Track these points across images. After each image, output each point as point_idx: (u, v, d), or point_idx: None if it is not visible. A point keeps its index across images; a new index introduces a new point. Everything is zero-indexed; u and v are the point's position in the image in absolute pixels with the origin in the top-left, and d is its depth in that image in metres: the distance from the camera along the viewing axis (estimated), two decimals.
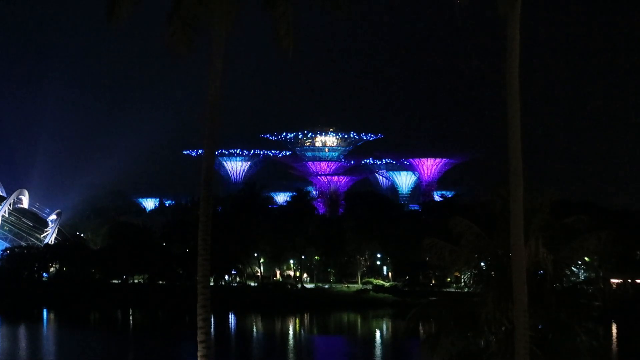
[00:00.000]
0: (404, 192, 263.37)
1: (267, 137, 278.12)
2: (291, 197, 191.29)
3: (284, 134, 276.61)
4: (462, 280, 29.83)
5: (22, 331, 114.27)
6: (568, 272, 27.24)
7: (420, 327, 28.66)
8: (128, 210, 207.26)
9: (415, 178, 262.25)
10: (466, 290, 28.34)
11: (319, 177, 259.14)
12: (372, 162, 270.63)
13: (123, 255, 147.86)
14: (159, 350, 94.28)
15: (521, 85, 23.06)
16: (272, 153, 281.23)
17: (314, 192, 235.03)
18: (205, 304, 25.13)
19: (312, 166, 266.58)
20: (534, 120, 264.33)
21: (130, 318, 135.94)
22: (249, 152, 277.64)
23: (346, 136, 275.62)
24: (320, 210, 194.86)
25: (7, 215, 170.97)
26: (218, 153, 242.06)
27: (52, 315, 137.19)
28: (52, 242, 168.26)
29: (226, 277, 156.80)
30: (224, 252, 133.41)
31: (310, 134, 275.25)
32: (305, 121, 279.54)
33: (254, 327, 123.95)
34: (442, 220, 32.14)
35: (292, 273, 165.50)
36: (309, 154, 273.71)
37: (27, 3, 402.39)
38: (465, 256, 26.94)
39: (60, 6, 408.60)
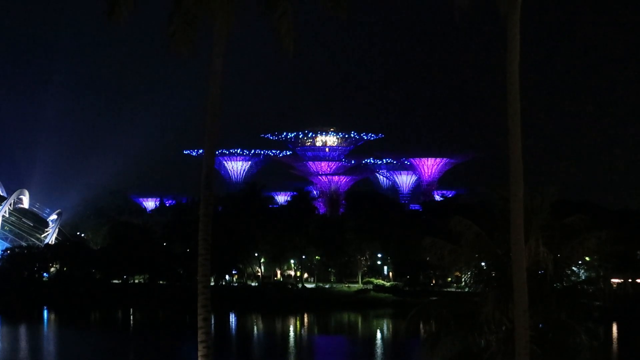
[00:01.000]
0: (405, 192, 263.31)
1: (267, 137, 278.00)
2: (292, 197, 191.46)
3: (285, 133, 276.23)
4: (463, 280, 29.84)
5: (22, 331, 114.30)
6: (568, 272, 27.26)
7: (421, 327, 28.64)
8: (128, 210, 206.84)
9: (416, 178, 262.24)
10: (466, 290, 28.35)
11: (319, 177, 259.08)
12: (372, 162, 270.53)
13: (123, 255, 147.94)
14: (159, 350, 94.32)
15: (521, 85, 23.05)
16: (272, 153, 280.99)
17: (315, 192, 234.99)
18: (206, 304, 25.10)
19: (313, 166, 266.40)
20: (534, 119, 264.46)
21: (131, 318, 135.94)
22: (250, 152, 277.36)
23: (347, 136, 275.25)
24: (320, 210, 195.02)
25: (7, 216, 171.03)
26: (218, 153, 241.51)
27: (52, 315, 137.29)
28: (53, 242, 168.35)
29: (227, 277, 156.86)
30: (225, 252, 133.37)
31: (310, 133, 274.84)
32: (306, 121, 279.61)
33: (255, 327, 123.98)
34: (443, 220, 32.20)
35: (292, 273, 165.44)
36: (309, 153, 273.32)
37: (27, 3, 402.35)
38: (466, 256, 26.96)
39: (60, 6, 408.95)
